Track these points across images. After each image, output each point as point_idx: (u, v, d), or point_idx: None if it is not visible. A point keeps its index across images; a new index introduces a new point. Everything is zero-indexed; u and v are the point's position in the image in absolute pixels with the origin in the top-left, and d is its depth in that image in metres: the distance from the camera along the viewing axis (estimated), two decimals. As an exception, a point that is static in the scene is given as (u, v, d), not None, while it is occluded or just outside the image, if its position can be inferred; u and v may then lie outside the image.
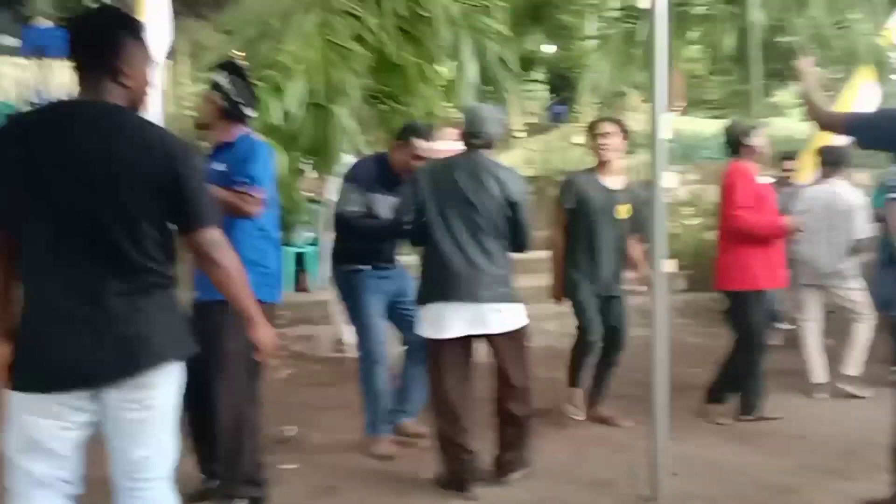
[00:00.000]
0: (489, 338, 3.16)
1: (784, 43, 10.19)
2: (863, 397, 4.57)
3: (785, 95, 14.20)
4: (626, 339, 4.14)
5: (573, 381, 4.14)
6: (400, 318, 3.72)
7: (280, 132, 4.56)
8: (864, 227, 4.61)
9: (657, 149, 3.01)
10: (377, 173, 3.64)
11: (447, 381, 3.16)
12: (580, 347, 4.06)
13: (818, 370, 4.76)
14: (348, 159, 4.96)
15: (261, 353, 2.13)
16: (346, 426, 3.93)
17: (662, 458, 3.04)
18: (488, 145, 3.23)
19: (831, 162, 4.82)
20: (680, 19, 7.36)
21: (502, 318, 3.11)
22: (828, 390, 4.72)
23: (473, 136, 3.22)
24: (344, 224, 3.61)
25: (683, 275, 7.95)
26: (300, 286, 6.81)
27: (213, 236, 1.89)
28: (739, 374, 4.14)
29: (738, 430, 4.07)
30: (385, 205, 3.57)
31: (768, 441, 3.90)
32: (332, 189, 5.39)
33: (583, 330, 4.03)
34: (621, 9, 8.45)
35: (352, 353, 5.57)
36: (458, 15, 4.89)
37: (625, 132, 4.05)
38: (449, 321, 3.09)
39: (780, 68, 12.86)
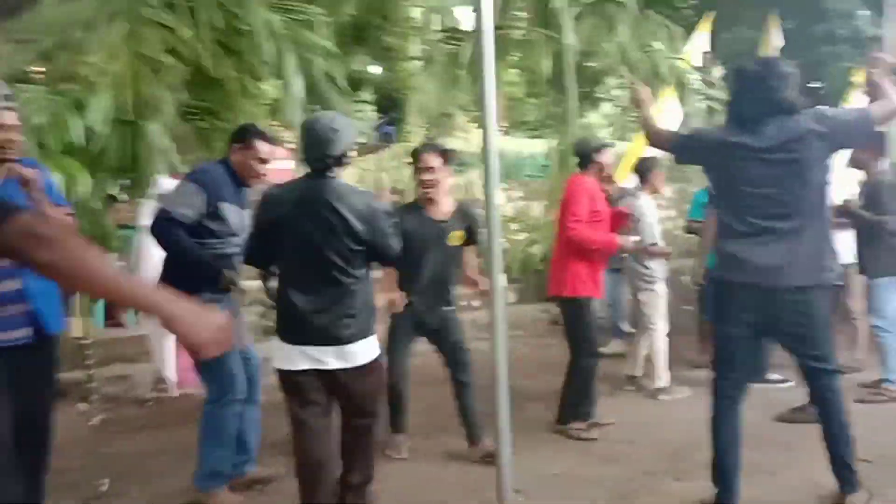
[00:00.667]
0: (336, 372, 2.85)
1: (593, 67, 10.93)
2: (684, 396, 4.86)
3: (595, 117, 15.23)
4: (468, 357, 3.99)
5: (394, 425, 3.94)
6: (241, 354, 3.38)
7: (82, 152, 4.12)
8: (651, 235, 4.92)
9: (490, 167, 3.00)
10: (228, 180, 3.24)
11: (303, 412, 2.86)
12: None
13: (634, 365, 5.15)
14: (163, 180, 4.59)
15: (208, 347, 1.37)
16: (169, 474, 3.59)
17: (507, 475, 3.02)
18: (334, 166, 2.84)
19: (640, 173, 5.14)
20: (499, 43, 7.60)
21: (350, 353, 2.83)
22: (642, 387, 5.04)
23: (314, 159, 2.83)
24: (166, 232, 3.10)
25: (513, 288, 8.21)
26: (113, 321, 6.20)
27: (26, 221, 1.32)
28: (579, 383, 4.22)
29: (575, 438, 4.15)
30: (238, 217, 3.23)
31: (605, 448, 4.01)
32: (147, 213, 4.98)
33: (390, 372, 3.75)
34: (444, 31, 8.61)
35: (173, 392, 5.15)
36: (281, 29, 4.69)
37: (446, 157, 3.90)
38: (298, 356, 2.83)
39: (591, 91, 13.83)
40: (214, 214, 3.14)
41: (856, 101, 10.40)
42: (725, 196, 3.05)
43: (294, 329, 2.83)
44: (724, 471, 3.02)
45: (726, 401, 3.03)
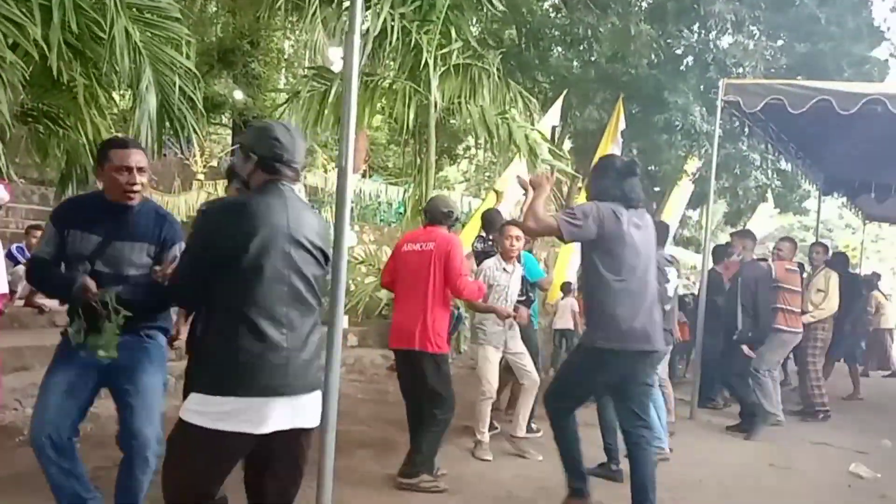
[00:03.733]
0: (280, 434, 2.25)
1: (455, 125, 11.35)
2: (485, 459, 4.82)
3: (453, 171, 15.77)
4: None
5: None
6: (125, 405, 2.88)
7: None
8: (502, 295, 5.08)
9: (343, 207, 3.04)
10: (86, 207, 2.93)
11: (214, 484, 2.30)
12: None
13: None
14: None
15: None
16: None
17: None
18: (297, 180, 2.46)
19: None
20: (367, 88, 7.75)
21: (316, 406, 2.37)
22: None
23: (296, 165, 2.38)
24: (31, 275, 2.89)
25: (355, 331, 8.19)
26: None
27: None
28: (436, 435, 4.17)
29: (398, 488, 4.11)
30: (81, 244, 2.86)
31: (423, 498, 4.00)
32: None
33: None
34: (313, 68, 8.64)
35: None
36: (142, 42, 4.52)
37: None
38: (266, 414, 2.20)
39: (450, 146, 14.34)
40: (62, 245, 2.88)
41: (685, 186, 11.52)
42: (608, 263, 3.39)
43: (265, 375, 2.20)
44: (571, 462, 3.55)
45: (563, 412, 3.52)
